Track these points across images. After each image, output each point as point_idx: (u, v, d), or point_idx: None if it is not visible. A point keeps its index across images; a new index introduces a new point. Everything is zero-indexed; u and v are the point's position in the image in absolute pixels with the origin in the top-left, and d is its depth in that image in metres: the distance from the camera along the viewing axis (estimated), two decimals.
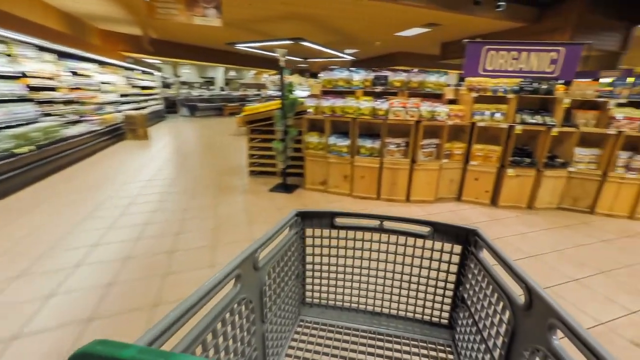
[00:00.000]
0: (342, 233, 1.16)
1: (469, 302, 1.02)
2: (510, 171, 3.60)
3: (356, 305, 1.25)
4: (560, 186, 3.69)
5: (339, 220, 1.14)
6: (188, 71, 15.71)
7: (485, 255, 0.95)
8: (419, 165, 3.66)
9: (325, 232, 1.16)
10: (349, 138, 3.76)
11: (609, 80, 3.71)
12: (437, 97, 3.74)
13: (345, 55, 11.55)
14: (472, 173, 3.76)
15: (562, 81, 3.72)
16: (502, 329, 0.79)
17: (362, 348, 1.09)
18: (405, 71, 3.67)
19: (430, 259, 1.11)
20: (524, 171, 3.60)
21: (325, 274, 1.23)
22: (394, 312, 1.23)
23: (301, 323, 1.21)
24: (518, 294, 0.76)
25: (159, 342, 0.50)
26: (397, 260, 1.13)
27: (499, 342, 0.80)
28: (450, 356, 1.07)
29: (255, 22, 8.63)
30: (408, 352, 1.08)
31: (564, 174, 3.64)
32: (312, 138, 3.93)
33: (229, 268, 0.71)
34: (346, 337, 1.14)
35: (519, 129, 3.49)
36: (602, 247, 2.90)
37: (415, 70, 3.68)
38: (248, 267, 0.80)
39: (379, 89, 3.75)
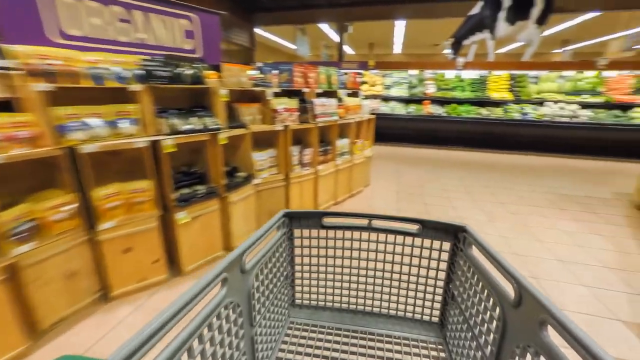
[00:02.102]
0: (331, 233, 1.10)
1: (459, 300, 0.98)
2: (181, 215, 2.00)
3: (347, 305, 1.19)
4: (251, 207, 2.63)
5: (327, 220, 1.07)
6: None
7: (474, 251, 0.91)
8: None
9: (314, 232, 1.10)
10: None
11: (256, 72, 2.93)
12: None
13: None
14: (112, 244, 1.79)
15: (208, 65, 2.46)
16: (493, 326, 0.76)
17: (354, 348, 1.04)
18: None
19: (420, 256, 1.08)
20: (203, 206, 2.14)
21: (314, 275, 1.17)
22: (384, 311, 1.17)
23: (291, 325, 1.14)
24: (508, 290, 0.72)
25: (143, 350, 0.45)
26: (387, 259, 1.06)
27: (490, 339, 0.77)
28: (442, 354, 1.03)
29: None
30: (400, 352, 1.03)
31: (252, 191, 2.59)
32: None
33: (214, 272, 0.66)
34: (337, 338, 1.09)
35: (169, 144, 1.89)
36: None
37: None
38: (235, 271, 0.76)
39: None
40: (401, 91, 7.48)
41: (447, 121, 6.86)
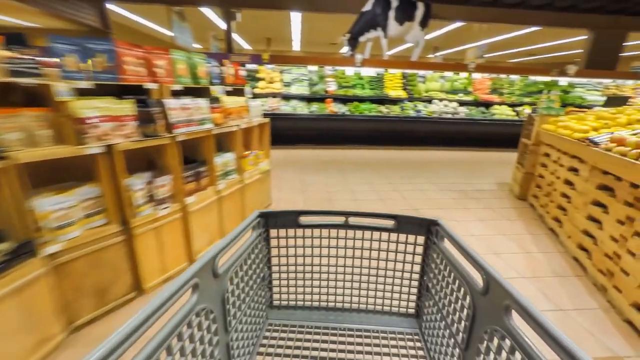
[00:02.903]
0: (308, 232, 1.08)
1: (433, 291, 1.01)
2: None
3: (325, 303, 1.18)
4: (40, 299, 1.41)
5: (304, 219, 1.06)
6: None
7: (446, 244, 0.94)
8: None
9: (290, 231, 1.07)
10: None
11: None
12: None
13: None
14: None
15: None
16: (464, 314, 0.78)
17: (333, 346, 1.03)
18: None
19: (396, 251, 1.08)
20: None
21: (292, 275, 1.14)
22: (362, 306, 1.18)
23: (269, 327, 1.11)
24: (477, 279, 0.75)
25: None
26: (364, 255, 1.10)
27: (461, 326, 0.79)
28: (418, 344, 1.05)
29: None
30: (378, 344, 1.04)
31: (39, 269, 1.37)
32: None
33: (183, 278, 0.61)
34: (316, 337, 1.07)
35: None
36: None
37: None
38: (207, 275, 0.71)
39: None
40: (302, 89, 6.83)
41: (351, 120, 6.56)
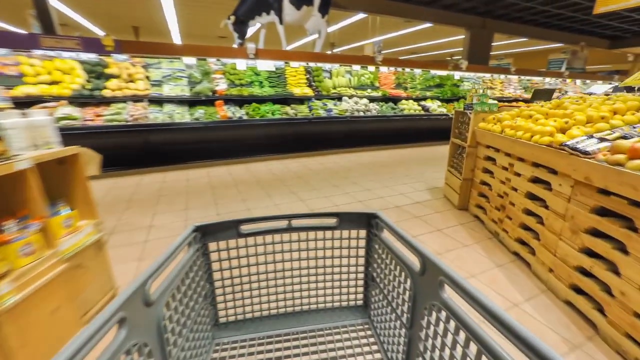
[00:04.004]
0: (250, 240, 1.05)
1: (378, 280, 1.05)
2: None
3: (275, 310, 1.15)
4: None
5: (245, 228, 1.02)
6: None
7: (386, 234, 0.99)
8: None
9: (232, 242, 1.03)
10: None
11: None
12: None
13: None
14: None
15: None
16: (406, 296, 0.84)
17: (288, 352, 1.01)
18: None
19: (340, 247, 1.10)
20: None
21: (237, 287, 1.10)
22: (313, 307, 1.17)
23: (217, 347, 1.04)
24: (415, 263, 0.81)
25: None
26: (310, 255, 1.10)
27: (405, 307, 0.85)
28: (369, 332, 1.08)
29: None
30: (332, 341, 1.05)
31: None
32: None
33: (106, 315, 0.52)
34: (269, 347, 1.03)
35: None
36: None
37: None
38: (136, 305, 0.63)
39: None
40: (179, 89, 5.13)
41: (250, 125, 5.26)
